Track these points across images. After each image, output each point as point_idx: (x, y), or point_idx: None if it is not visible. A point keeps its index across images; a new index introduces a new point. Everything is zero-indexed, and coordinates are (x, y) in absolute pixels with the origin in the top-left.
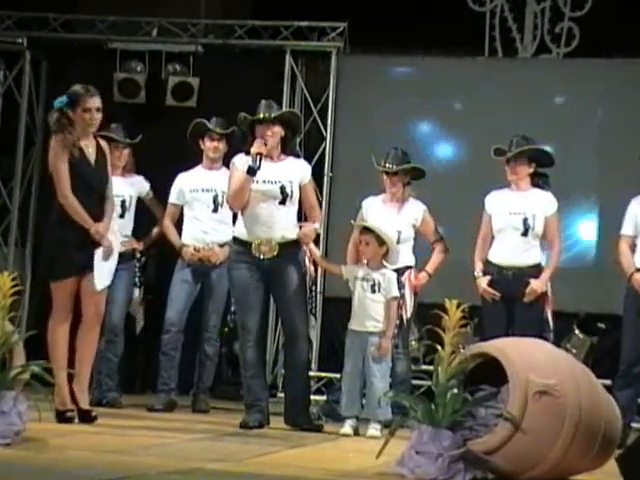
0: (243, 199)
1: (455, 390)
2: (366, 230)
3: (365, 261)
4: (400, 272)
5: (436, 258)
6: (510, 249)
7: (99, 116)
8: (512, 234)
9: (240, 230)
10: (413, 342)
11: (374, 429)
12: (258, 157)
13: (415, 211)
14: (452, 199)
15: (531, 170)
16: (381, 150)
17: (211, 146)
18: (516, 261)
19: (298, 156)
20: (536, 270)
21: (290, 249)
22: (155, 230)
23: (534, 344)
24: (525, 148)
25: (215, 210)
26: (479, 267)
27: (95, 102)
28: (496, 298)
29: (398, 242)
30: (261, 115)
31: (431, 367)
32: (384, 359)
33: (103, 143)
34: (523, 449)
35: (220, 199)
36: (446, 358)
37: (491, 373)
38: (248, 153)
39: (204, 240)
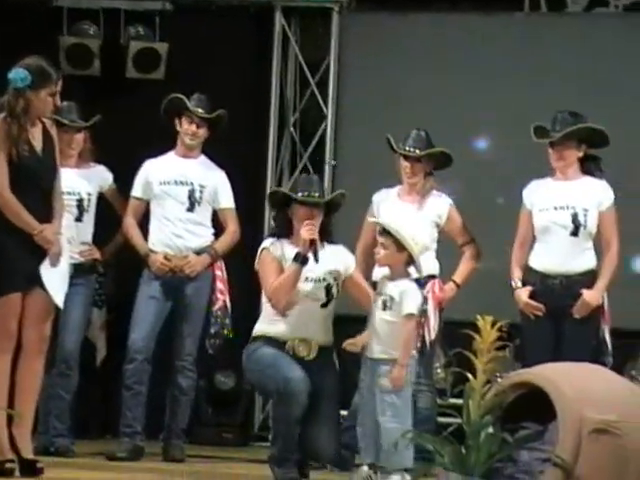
0: (292, 296)
1: (491, 429)
2: (385, 232)
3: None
4: (422, 283)
5: (466, 265)
6: (556, 253)
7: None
8: (559, 234)
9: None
10: (439, 370)
11: None
12: (311, 245)
13: (439, 207)
14: (482, 192)
15: (581, 154)
16: (397, 131)
17: (189, 130)
18: (564, 268)
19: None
20: (589, 278)
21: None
22: (120, 235)
23: (589, 371)
24: (574, 128)
25: (191, 208)
26: (518, 276)
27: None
28: (540, 314)
29: None
30: (313, 197)
31: (461, 401)
32: (398, 392)
33: (50, 125)
34: None
35: (198, 195)
36: (479, 389)
37: (536, 407)
38: (277, 235)
39: (177, 246)
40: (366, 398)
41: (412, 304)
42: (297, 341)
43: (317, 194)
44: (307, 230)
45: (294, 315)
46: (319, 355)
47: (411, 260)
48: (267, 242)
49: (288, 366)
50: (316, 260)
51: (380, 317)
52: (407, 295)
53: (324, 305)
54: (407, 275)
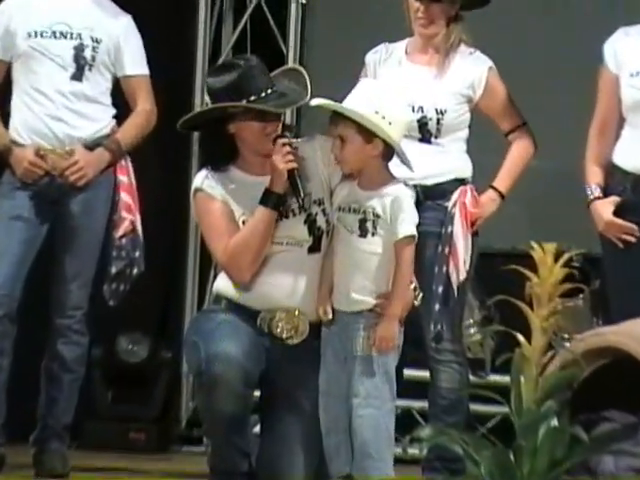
0: (261, 256)
1: (554, 421)
2: (338, 116)
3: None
4: (444, 191)
5: (515, 162)
6: None
7: None
8: None
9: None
10: (472, 330)
11: None
12: (289, 177)
13: (471, 71)
14: (536, 52)
15: None
16: None
17: None
18: None
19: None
20: None
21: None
22: None
23: None
24: None
25: (78, 76)
26: (596, 180)
27: None
28: (631, 239)
29: (438, 134)
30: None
31: (507, 378)
32: (379, 359)
33: None
34: None
35: (89, 53)
36: (536, 359)
37: (625, 387)
38: (213, 165)
39: (55, 135)
40: (333, 373)
41: (409, 221)
42: (277, 313)
43: (274, 98)
44: (282, 157)
45: (267, 271)
46: (310, 337)
47: (388, 151)
48: (199, 178)
49: (222, 338)
50: (299, 195)
51: (357, 247)
52: (400, 207)
53: (312, 249)
54: (390, 177)
